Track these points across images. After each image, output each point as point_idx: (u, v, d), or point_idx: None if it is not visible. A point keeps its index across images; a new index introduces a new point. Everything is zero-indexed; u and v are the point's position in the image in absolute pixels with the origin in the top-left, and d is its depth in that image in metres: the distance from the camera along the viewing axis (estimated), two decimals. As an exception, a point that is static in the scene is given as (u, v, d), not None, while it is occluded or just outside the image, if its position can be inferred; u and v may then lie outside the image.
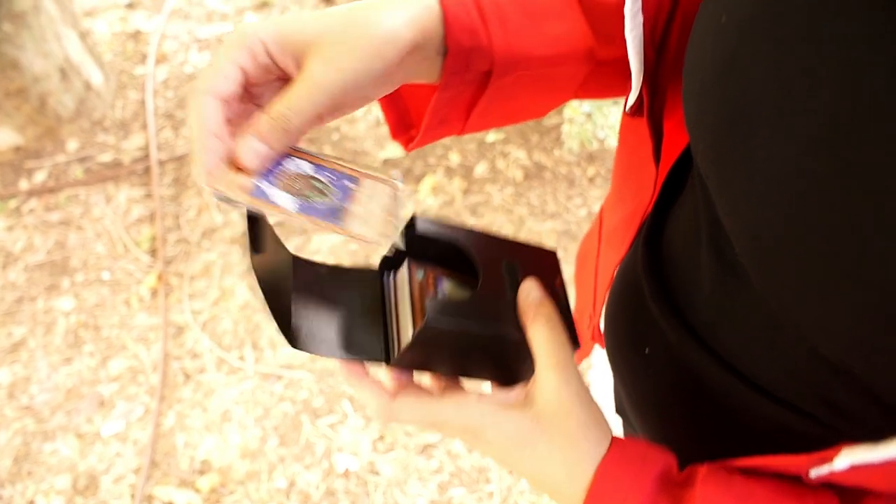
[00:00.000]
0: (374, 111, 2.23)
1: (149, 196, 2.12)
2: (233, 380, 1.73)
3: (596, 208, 1.95)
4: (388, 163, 2.09)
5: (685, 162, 0.51)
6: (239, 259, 1.94)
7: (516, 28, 0.47)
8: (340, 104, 0.41)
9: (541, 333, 0.42)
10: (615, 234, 0.57)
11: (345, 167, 0.44)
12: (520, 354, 0.44)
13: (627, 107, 0.46)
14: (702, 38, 0.35)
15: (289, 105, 0.39)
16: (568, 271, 1.83)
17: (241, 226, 2.02)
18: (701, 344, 0.45)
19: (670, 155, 0.52)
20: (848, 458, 0.31)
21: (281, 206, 0.39)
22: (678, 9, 0.43)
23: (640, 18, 0.41)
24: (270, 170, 0.41)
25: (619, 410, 0.62)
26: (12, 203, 2.14)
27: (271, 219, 0.43)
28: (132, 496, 1.58)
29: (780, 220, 0.31)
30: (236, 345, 1.79)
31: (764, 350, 0.41)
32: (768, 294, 0.35)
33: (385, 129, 2.18)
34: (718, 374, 0.44)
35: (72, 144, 2.26)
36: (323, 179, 0.42)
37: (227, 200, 0.39)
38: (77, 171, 2.19)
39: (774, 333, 0.39)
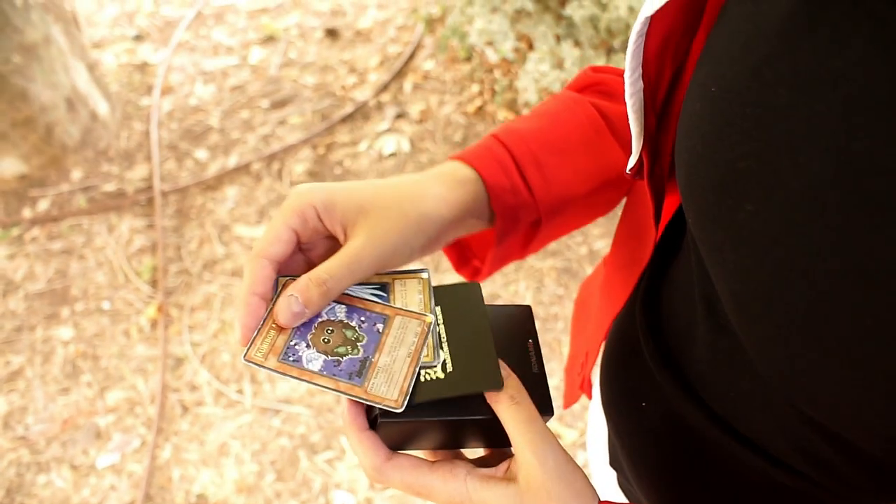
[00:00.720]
0: (377, 146, 2.25)
1: (151, 226, 2.13)
2: (231, 413, 1.73)
3: (596, 246, 1.96)
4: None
5: (684, 219, 0.52)
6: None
7: (554, 173, 0.50)
8: (380, 269, 0.44)
9: (507, 413, 0.41)
10: (612, 287, 0.58)
11: (377, 305, 0.46)
12: (497, 427, 0.43)
13: (627, 169, 0.47)
14: (693, 107, 0.36)
15: (329, 272, 0.42)
16: (568, 308, 1.83)
17: (243, 258, 2.03)
18: (695, 399, 0.46)
19: (671, 212, 0.53)
20: None
21: (307, 370, 0.42)
22: (684, 74, 0.44)
23: (641, 85, 0.42)
24: (307, 322, 0.43)
25: (614, 463, 0.62)
26: (15, 231, 2.15)
27: (296, 383, 0.45)
28: (126, 530, 1.57)
29: (765, 291, 0.32)
30: (235, 378, 1.79)
31: (755, 408, 0.42)
32: (756, 358, 0.36)
33: (388, 164, 2.20)
34: (711, 430, 0.45)
35: (76, 174, 2.28)
36: (355, 325, 0.44)
37: (260, 366, 0.41)
38: (80, 201, 2.21)
39: (765, 392, 0.40)
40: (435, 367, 0.44)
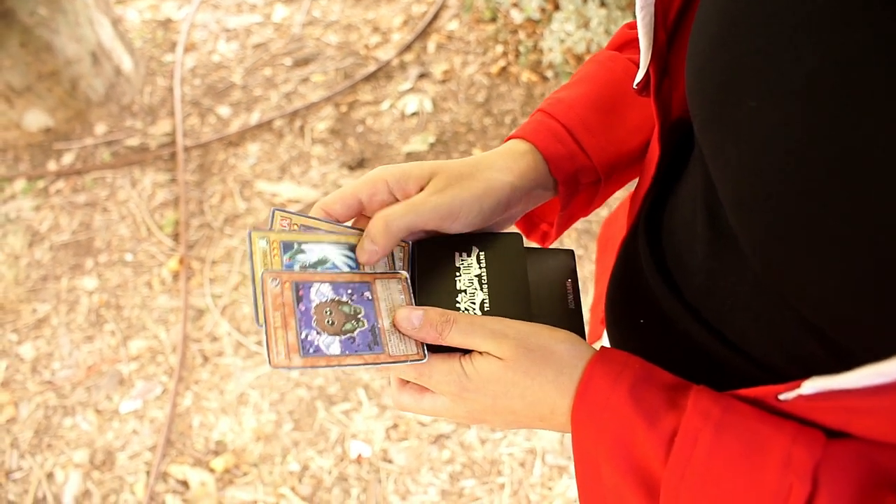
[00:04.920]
0: (399, 105, 2.25)
1: (174, 181, 2.15)
2: (250, 364, 1.76)
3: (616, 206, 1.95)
4: (411, 156, 2.11)
5: (691, 140, 0.53)
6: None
7: (605, 133, 0.53)
8: (446, 217, 0.48)
9: (457, 339, 0.45)
10: (625, 213, 0.59)
11: (356, 275, 0.48)
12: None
13: (634, 84, 0.48)
14: (703, 13, 0.37)
15: (391, 210, 0.47)
16: (587, 268, 1.83)
17: (264, 213, 2.04)
18: (691, 311, 0.46)
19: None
20: (814, 384, 0.33)
21: (332, 356, 0.44)
22: None
23: None
24: (304, 311, 0.45)
25: None
26: (40, 183, 2.17)
27: (324, 373, 0.47)
28: (147, 473, 1.61)
29: (764, 185, 0.32)
30: (254, 330, 1.81)
31: (751, 317, 0.42)
32: (753, 258, 0.36)
33: (410, 124, 2.19)
34: (707, 342, 0.45)
35: (100, 128, 2.30)
36: (346, 300, 0.46)
37: (289, 368, 0.43)
38: (104, 155, 2.23)
39: (762, 300, 0.41)
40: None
